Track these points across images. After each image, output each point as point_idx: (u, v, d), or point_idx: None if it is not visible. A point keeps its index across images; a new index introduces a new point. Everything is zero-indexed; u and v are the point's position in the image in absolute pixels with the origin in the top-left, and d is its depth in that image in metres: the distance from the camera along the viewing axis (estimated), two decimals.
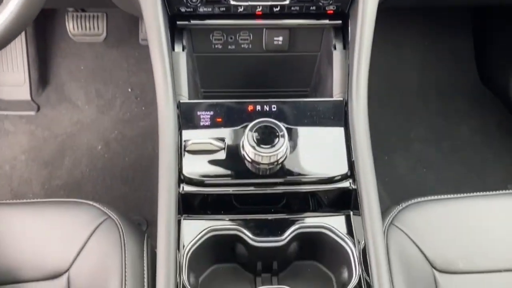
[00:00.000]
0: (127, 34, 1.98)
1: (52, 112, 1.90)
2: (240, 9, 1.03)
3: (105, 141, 1.83)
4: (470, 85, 2.02)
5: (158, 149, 0.97)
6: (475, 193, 1.11)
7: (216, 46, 1.14)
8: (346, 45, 1.09)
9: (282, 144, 0.92)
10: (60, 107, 1.91)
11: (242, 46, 1.15)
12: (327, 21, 1.10)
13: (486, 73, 2.01)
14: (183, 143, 0.98)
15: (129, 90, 1.94)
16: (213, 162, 0.98)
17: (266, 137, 0.92)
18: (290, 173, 0.98)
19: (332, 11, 1.06)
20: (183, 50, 1.09)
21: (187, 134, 1.00)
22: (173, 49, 1.07)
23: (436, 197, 1.10)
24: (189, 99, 1.06)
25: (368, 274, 0.91)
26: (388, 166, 1.81)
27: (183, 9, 1.03)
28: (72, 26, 1.92)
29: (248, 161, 0.95)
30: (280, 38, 1.13)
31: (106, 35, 1.95)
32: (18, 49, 1.89)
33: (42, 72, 1.94)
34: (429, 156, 1.85)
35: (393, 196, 1.70)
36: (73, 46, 1.99)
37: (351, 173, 0.99)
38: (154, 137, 1.00)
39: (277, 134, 0.93)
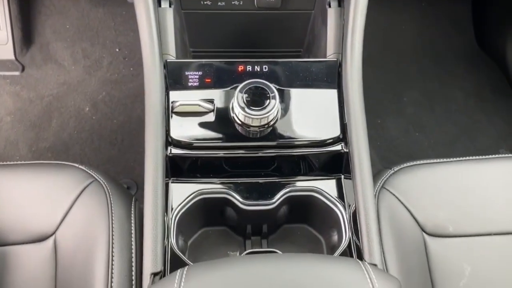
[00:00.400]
0: None
1: (38, 72, 1.85)
2: None
3: (93, 103, 1.79)
4: (466, 48, 1.99)
5: None
6: (466, 158, 1.10)
7: (205, 2, 1.09)
8: (341, 2, 1.05)
9: (273, 106, 0.89)
10: (46, 68, 1.85)
11: (233, 2, 1.10)
12: None
13: (483, 36, 1.97)
14: (170, 105, 0.96)
15: (117, 50, 1.89)
16: (201, 125, 0.96)
17: (257, 98, 0.90)
18: (281, 136, 0.96)
19: None
20: (170, 6, 1.04)
21: (174, 95, 0.96)
22: (159, 4, 1.02)
23: (427, 161, 1.09)
24: (176, 58, 1.02)
25: (358, 238, 0.90)
26: (380, 130, 1.79)
27: None
28: None
29: (238, 124, 0.93)
30: None
31: None
32: (0, 6, 1.81)
33: (26, 30, 1.87)
34: (422, 119, 1.83)
35: (385, 159, 1.70)
36: (58, 4, 1.91)
37: (343, 136, 0.98)
38: (143, 98, 0.97)
39: (268, 95, 0.90)
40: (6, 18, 1.81)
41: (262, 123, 0.91)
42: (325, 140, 0.98)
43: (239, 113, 0.90)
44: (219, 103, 0.96)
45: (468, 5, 2.01)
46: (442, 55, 1.97)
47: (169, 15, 1.03)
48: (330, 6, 1.07)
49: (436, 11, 2.01)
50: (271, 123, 0.92)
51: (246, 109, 0.89)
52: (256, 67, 0.99)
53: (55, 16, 1.91)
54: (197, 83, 0.97)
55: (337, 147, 0.98)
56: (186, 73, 0.98)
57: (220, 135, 0.96)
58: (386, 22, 1.98)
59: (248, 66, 0.99)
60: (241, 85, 0.91)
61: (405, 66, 1.93)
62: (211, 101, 0.96)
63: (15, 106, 1.78)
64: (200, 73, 0.98)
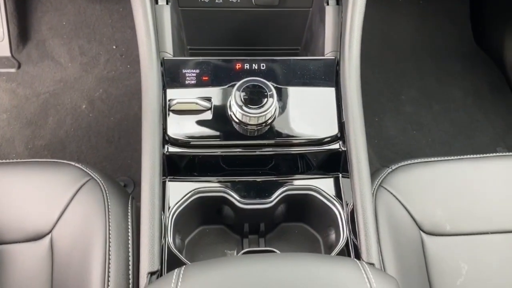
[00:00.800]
0: None
1: (34, 69, 1.83)
2: None
3: (90, 100, 1.78)
4: (464, 46, 1.99)
5: None
6: (464, 156, 1.10)
7: None
8: (339, 0, 1.05)
9: (271, 105, 0.89)
10: (42, 64, 1.84)
11: (230, 0, 1.09)
12: None
13: (480, 34, 1.97)
14: (167, 103, 0.95)
15: (114, 47, 1.88)
16: (199, 123, 0.95)
17: (254, 97, 0.89)
18: (279, 134, 0.96)
19: None
20: (167, 3, 1.04)
21: (171, 93, 0.96)
22: (156, 1, 1.02)
23: (425, 159, 1.09)
24: (174, 56, 1.02)
25: (355, 236, 0.90)
26: (378, 128, 1.79)
27: None
28: None
29: (236, 122, 0.93)
30: None
31: None
32: None
33: (22, 27, 1.86)
34: (420, 118, 1.83)
35: (383, 158, 1.70)
36: (54, 0, 1.90)
37: (341, 135, 0.97)
38: (140, 96, 0.96)
39: (266, 94, 0.89)
40: (2, 15, 1.80)
41: (260, 121, 0.90)
42: (323, 139, 0.97)
43: (236, 111, 0.90)
44: (216, 101, 0.96)
45: (466, 3, 2.01)
46: (441, 53, 1.96)
47: (166, 12, 1.02)
48: (328, 4, 1.06)
49: (434, 9, 2.01)
50: (269, 121, 0.92)
51: (244, 108, 0.88)
52: (253, 65, 0.98)
53: (51, 13, 1.90)
54: (195, 81, 0.97)
55: (335, 146, 0.98)
56: (184, 71, 0.97)
57: (217, 134, 0.95)
58: (384, 20, 1.97)
59: (245, 64, 0.98)
60: (238, 83, 0.90)
61: (403, 64, 1.93)
62: (208, 99, 0.96)
63: (11, 104, 1.77)
64: (197, 71, 0.97)
